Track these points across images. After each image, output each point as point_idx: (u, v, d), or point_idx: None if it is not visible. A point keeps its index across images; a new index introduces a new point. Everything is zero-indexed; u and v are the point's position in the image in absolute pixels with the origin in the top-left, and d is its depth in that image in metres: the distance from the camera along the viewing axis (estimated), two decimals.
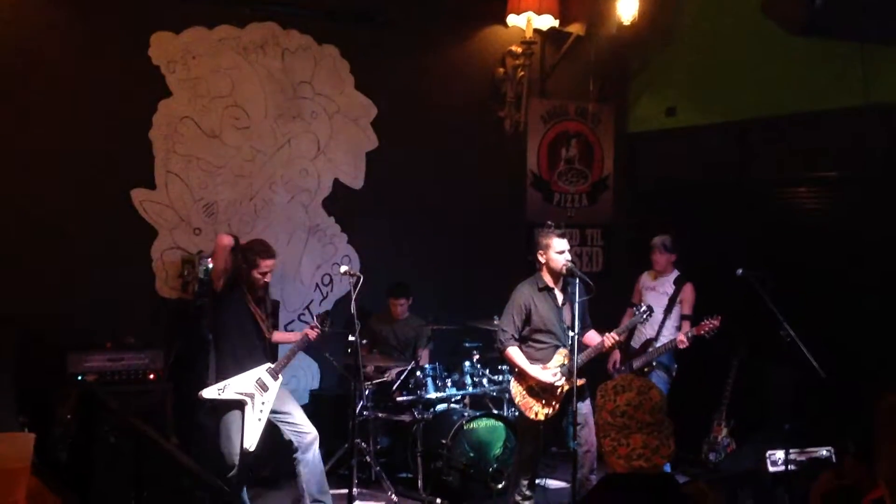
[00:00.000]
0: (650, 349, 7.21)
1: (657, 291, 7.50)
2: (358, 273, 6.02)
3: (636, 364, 7.20)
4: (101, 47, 7.04)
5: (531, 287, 6.19)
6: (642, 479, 2.94)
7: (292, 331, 7.23)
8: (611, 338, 6.12)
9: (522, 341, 6.18)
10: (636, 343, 7.36)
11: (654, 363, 7.22)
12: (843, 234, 7.30)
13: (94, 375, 6.47)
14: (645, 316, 6.41)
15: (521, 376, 6.17)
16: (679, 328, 7.24)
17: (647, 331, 7.25)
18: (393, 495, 6.74)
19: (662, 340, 7.21)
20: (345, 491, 6.30)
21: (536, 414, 6.09)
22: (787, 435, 6.21)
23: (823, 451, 6.42)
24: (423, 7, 8.22)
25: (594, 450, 5.99)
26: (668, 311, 7.31)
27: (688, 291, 7.40)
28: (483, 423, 6.92)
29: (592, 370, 6.20)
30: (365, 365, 6.73)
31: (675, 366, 7.32)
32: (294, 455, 6.15)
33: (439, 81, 8.45)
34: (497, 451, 6.90)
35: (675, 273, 7.50)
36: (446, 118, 8.41)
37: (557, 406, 6.07)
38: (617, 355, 7.40)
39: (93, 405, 5.93)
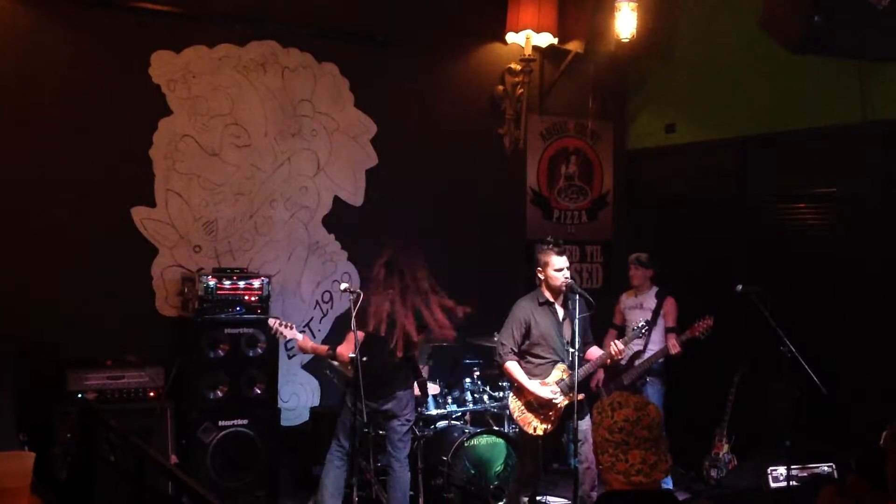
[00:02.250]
0: (637, 362, 7.23)
1: (641, 308, 7.57)
2: (358, 290, 6.01)
3: (627, 380, 7.20)
4: (101, 66, 7.06)
5: (532, 301, 6.20)
6: (642, 495, 2.94)
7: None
8: (617, 345, 6.11)
9: (521, 356, 6.18)
10: (623, 359, 7.38)
11: (646, 377, 7.24)
12: (843, 249, 7.30)
13: (95, 394, 6.47)
14: (643, 331, 6.41)
15: (520, 391, 6.17)
16: (664, 341, 7.29)
17: (634, 345, 7.24)
18: None
19: (648, 355, 7.25)
20: None
21: (535, 429, 6.08)
22: (789, 451, 6.21)
23: (825, 468, 6.41)
24: (422, 25, 8.27)
25: (595, 466, 5.97)
26: (652, 324, 7.36)
27: (670, 304, 7.49)
28: (484, 440, 6.90)
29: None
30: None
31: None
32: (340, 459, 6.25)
33: (438, 99, 8.48)
34: (498, 468, 6.89)
35: (656, 288, 7.62)
36: (446, 135, 8.43)
37: (556, 421, 6.06)
38: (601, 374, 7.39)
39: (93, 423, 5.91)
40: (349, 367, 6.38)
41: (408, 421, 6.26)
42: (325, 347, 6.44)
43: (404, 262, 6.15)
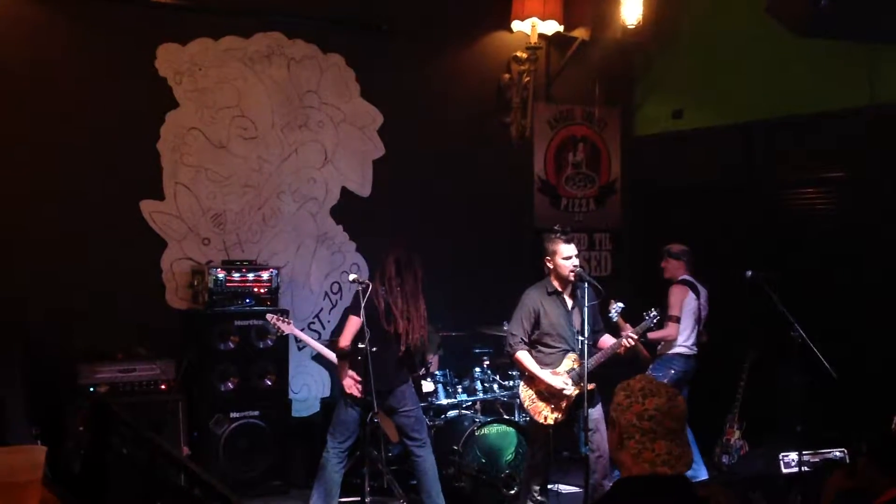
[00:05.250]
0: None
1: None
2: (367, 281, 6.02)
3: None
4: (108, 60, 7.08)
5: (540, 291, 6.19)
6: (656, 482, 2.92)
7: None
8: (629, 338, 6.08)
9: (532, 345, 6.17)
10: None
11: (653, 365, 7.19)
12: (851, 234, 7.28)
13: (106, 387, 6.50)
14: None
15: (531, 381, 6.17)
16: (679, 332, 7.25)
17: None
18: (405, 503, 6.73)
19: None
20: (357, 499, 6.30)
21: (545, 418, 6.09)
22: (800, 436, 6.20)
23: (836, 453, 6.40)
24: (427, 15, 8.24)
25: (606, 454, 5.97)
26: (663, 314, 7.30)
27: (670, 293, 7.34)
28: (494, 429, 6.91)
29: (603, 375, 6.18)
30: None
31: (672, 371, 7.23)
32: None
33: (445, 88, 8.46)
34: (509, 456, 6.89)
35: (680, 278, 7.43)
36: (452, 125, 8.42)
37: (567, 411, 6.06)
38: None
39: (105, 416, 5.93)
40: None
41: (409, 412, 6.27)
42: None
43: (413, 261, 6.20)
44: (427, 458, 6.28)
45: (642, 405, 2.92)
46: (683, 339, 7.22)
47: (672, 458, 2.88)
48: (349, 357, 6.21)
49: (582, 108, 9.25)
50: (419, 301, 6.22)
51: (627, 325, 6.35)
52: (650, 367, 7.21)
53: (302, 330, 7.61)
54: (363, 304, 5.86)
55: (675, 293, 7.33)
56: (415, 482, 6.99)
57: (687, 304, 7.25)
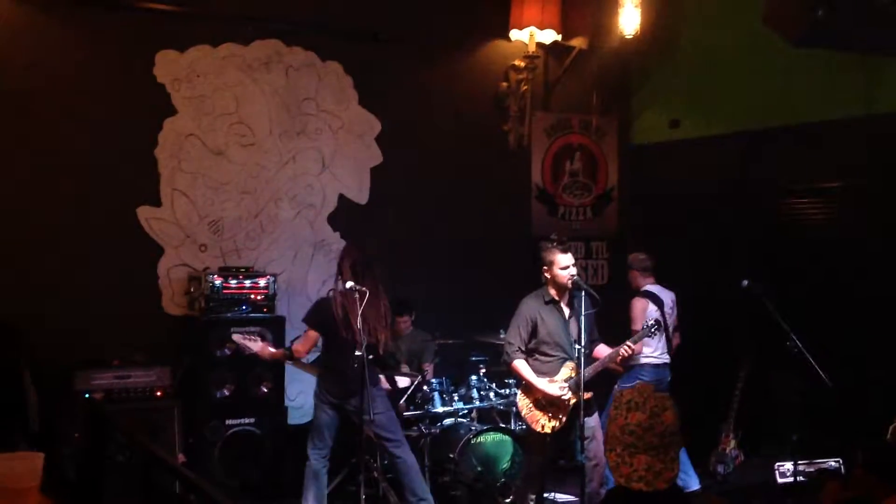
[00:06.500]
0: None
1: None
2: (364, 288, 6.01)
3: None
4: (106, 67, 7.08)
5: (537, 300, 6.19)
6: (645, 493, 2.92)
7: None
8: (627, 348, 6.09)
9: (529, 354, 6.17)
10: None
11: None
12: (847, 243, 7.29)
13: (102, 393, 6.48)
14: (653, 330, 6.36)
15: (528, 389, 6.16)
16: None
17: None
18: None
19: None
20: None
21: (543, 427, 6.08)
22: (796, 446, 6.20)
23: (832, 462, 6.41)
24: (425, 23, 8.26)
25: (603, 463, 5.97)
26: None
27: (630, 307, 7.28)
28: (490, 437, 6.91)
29: (600, 384, 6.19)
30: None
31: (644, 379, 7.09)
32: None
33: (443, 96, 8.48)
34: (505, 465, 6.88)
35: (642, 289, 7.39)
36: (450, 133, 8.43)
37: (564, 419, 6.05)
38: None
39: (101, 423, 5.93)
40: (310, 366, 6.43)
41: (379, 414, 6.16)
42: (281, 351, 6.42)
43: (370, 265, 6.22)
44: (406, 458, 6.27)
45: (625, 419, 2.93)
46: (650, 349, 7.14)
47: (650, 474, 2.87)
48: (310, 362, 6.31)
49: (579, 117, 9.27)
50: (378, 301, 6.20)
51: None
52: (619, 379, 7.13)
53: (297, 337, 7.59)
54: (360, 311, 5.85)
55: (634, 307, 7.26)
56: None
57: (648, 316, 7.13)
